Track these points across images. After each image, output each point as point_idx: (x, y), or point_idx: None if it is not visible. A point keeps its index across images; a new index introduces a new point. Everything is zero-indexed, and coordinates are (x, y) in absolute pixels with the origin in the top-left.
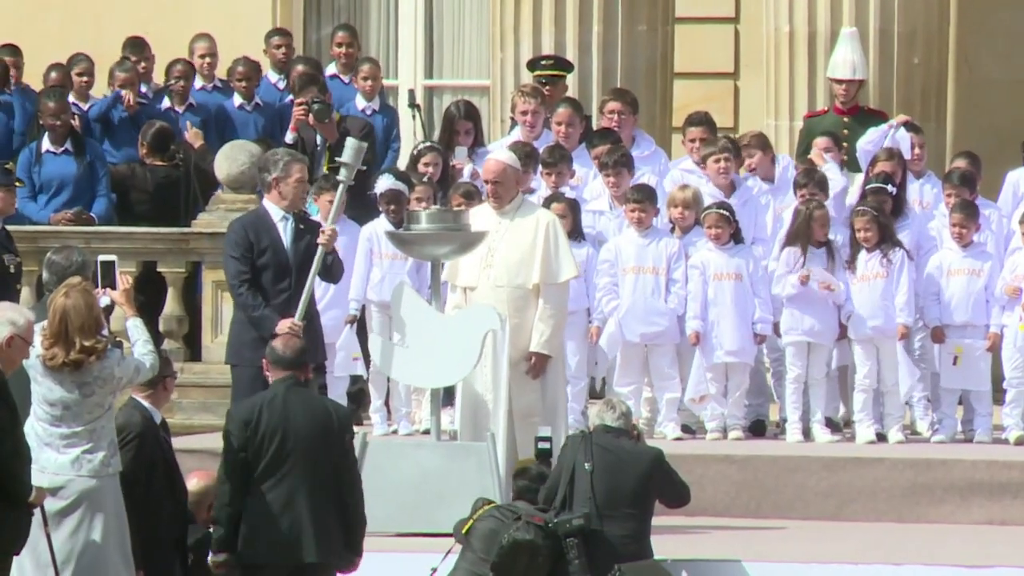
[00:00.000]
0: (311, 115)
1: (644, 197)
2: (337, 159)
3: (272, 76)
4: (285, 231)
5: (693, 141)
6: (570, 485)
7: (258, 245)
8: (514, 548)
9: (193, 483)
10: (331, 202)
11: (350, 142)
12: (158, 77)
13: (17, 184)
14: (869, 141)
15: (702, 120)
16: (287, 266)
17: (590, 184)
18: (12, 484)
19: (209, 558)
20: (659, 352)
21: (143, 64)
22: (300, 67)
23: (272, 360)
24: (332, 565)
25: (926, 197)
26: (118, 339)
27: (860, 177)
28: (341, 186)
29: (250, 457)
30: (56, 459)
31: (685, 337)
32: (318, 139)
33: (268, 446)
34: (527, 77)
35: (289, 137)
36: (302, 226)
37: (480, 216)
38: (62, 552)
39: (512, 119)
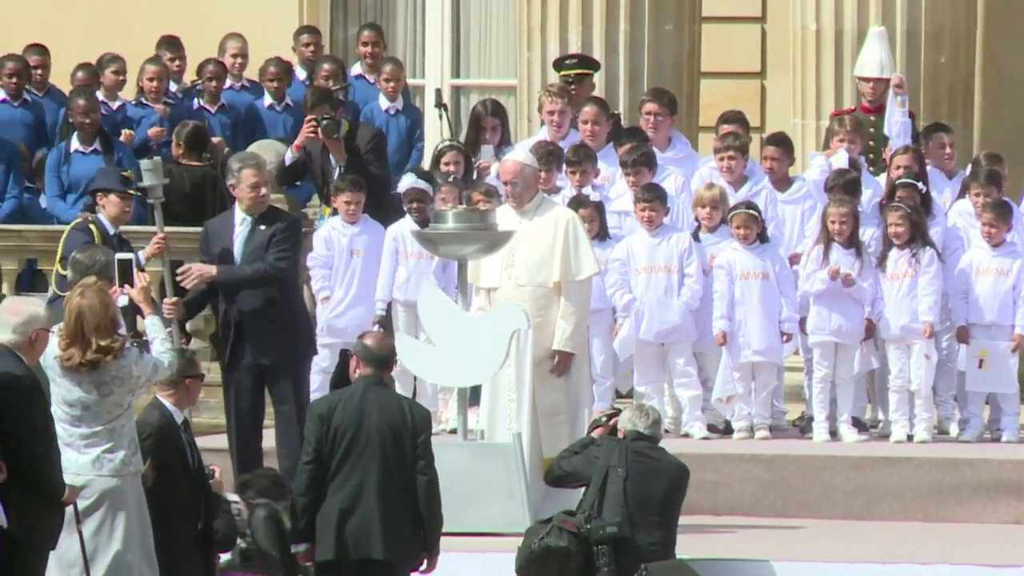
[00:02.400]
0: (320, 131)
1: (654, 197)
2: (138, 184)
3: (301, 74)
4: (243, 233)
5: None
6: (602, 490)
7: (213, 247)
8: (546, 554)
9: None
10: (348, 202)
11: (144, 163)
12: (188, 77)
13: (132, 193)
14: (902, 131)
15: (735, 118)
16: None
17: (617, 183)
18: (45, 482)
19: (291, 549)
20: (675, 350)
21: (177, 63)
22: (324, 64)
23: (363, 357)
24: (401, 563)
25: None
26: (144, 338)
27: (883, 175)
28: (156, 208)
29: (324, 451)
30: (77, 459)
31: (704, 335)
32: (332, 158)
33: (340, 442)
34: (554, 76)
35: (288, 156)
36: (263, 226)
37: (501, 216)
38: (86, 551)
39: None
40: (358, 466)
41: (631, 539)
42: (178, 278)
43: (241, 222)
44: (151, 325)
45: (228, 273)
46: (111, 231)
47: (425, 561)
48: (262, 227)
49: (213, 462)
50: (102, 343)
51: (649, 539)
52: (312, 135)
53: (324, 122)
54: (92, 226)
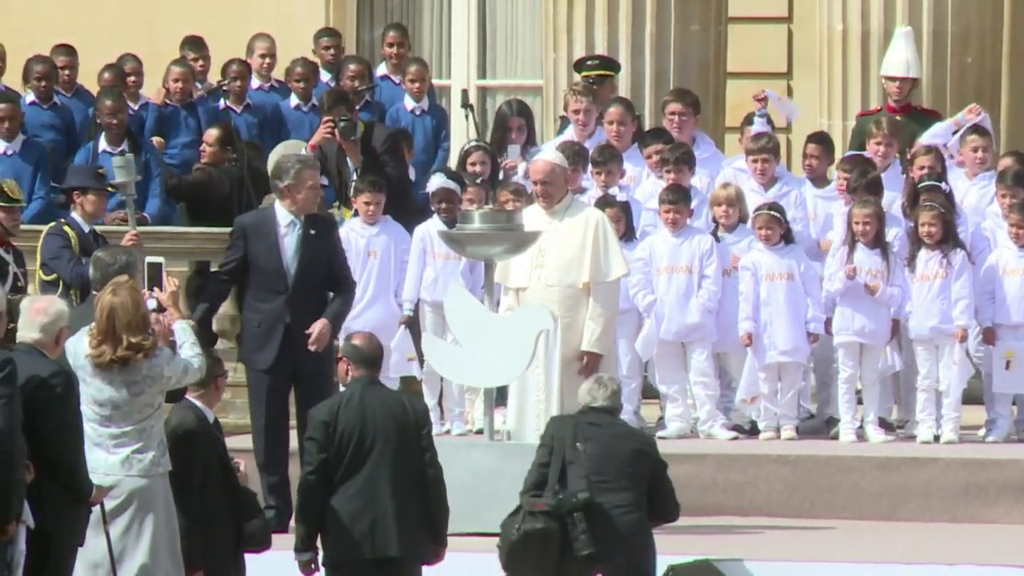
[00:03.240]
0: (337, 132)
1: (679, 198)
2: (112, 182)
3: (325, 76)
4: (290, 236)
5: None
6: (562, 465)
7: (254, 245)
8: (526, 540)
9: None
10: (367, 203)
11: (115, 160)
12: (213, 77)
13: (110, 188)
14: (935, 135)
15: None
16: (282, 271)
17: (643, 184)
18: (75, 481)
19: (294, 557)
20: (695, 349)
21: (201, 63)
22: (352, 65)
23: (354, 359)
24: (416, 559)
25: (971, 197)
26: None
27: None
28: (128, 203)
29: (331, 457)
30: (106, 459)
31: (727, 336)
32: (348, 159)
33: (347, 445)
34: (578, 78)
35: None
36: (313, 231)
37: (530, 216)
38: (113, 552)
39: (563, 117)
40: (367, 465)
41: (598, 503)
42: (312, 347)
43: (288, 223)
44: (180, 330)
45: (337, 316)
46: (86, 229)
47: (431, 553)
48: (312, 232)
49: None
50: (133, 340)
51: (618, 500)
52: (329, 136)
53: (342, 124)
54: (67, 227)
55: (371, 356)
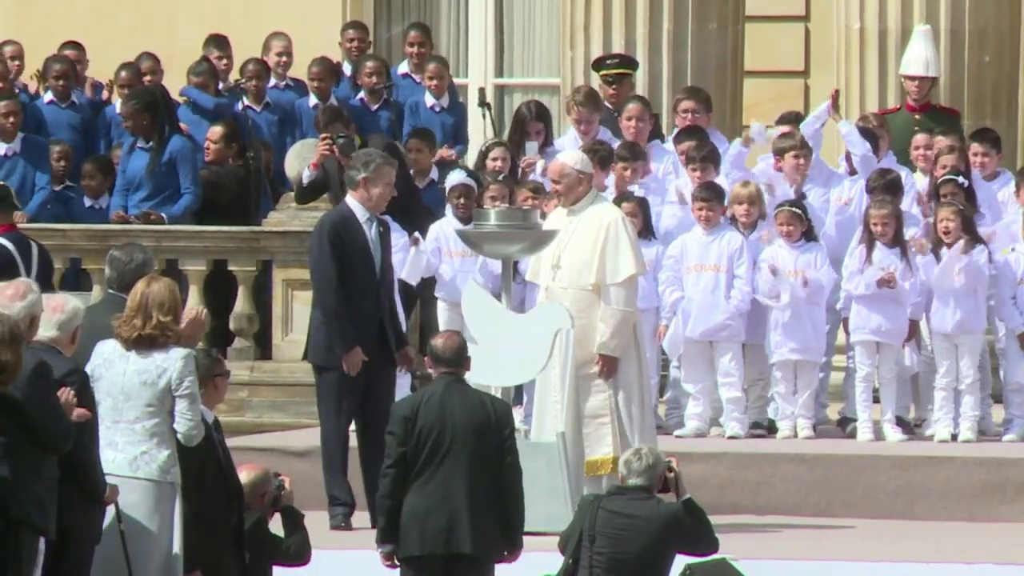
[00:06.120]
0: (336, 149)
1: (712, 196)
2: None
3: (347, 70)
4: (371, 232)
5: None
6: (575, 554)
7: (347, 244)
8: None
9: (243, 475)
10: None
11: None
12: (234, 76)
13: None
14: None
15: (792, 119)
16: (373, 267)
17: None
18: (91, 481)
19: (378, 550)
20: (721, 349)
21: (225, 62)
22: (370, 63)
23: (432, 358)
24: (487, 558)
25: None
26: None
27: (920, 176)
28: None
29: (409, 453)
30: (114, 458)
31: (755, 330)
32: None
33: (426, 441)
34: (597, 76)
35: (306, 175)
36: (382, 228)
37: (555, 216)
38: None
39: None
40: (444, 463)
41: None
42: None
43: (367, 219)
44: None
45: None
46: None
47: (506, 553)
48: (381, 229)
49: (287, 473)
50: (163, 319)
51: None
52: (327, 152)
53: (340, 140)
54: None
55: (446, 356)
